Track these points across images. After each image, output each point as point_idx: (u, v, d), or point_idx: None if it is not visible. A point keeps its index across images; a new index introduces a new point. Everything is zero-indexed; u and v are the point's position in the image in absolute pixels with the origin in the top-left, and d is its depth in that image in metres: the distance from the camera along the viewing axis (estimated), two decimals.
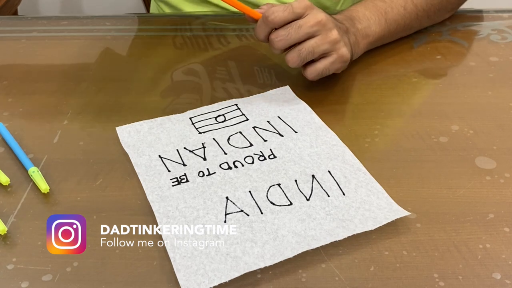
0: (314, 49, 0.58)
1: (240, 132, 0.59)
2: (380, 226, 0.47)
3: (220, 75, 0.70)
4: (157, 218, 0.48)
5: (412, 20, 0.71)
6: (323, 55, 0.60)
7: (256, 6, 0.80)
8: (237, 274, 0.43)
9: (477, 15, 0.80)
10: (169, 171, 0.54)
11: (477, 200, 0.51)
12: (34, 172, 0.53)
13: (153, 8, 0.98)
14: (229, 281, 0.43)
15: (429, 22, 0.75)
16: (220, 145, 0.57)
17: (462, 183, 0.53)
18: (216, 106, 0.63)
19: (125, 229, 0.49)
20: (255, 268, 0.44)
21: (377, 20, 0.68)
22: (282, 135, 0.58)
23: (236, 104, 0.63)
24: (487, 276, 0.44)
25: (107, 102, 0.66)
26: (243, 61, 0.72)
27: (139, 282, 0.44)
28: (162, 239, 0.47)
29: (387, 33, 0.70)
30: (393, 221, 0.48)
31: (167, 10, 0.90)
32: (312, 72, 0.61)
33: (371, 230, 0.47)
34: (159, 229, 0.48)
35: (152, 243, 0.47)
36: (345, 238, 0.46)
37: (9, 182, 0.54)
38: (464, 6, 0.82)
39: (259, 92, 0.65)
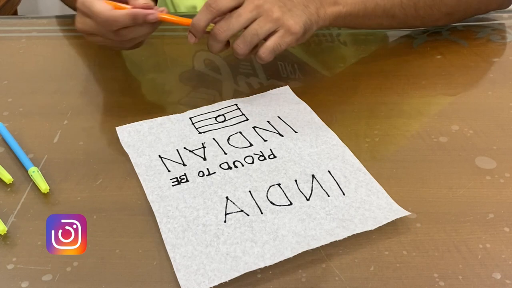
0: (257, 31, 0.58)
1: (240, 132, 0.59)
2: (380, 226, 0.47)
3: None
4: (157, 218, 0.48)
5: (394, 6, 0.67)
6: (270, 35, 0.59)
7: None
8: (237, 274, 0.43)
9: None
10: (169, 171, 0.54)
11: (477, 200, 0.51)
12: (34, 172, 0.53)
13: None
14: (229, 281, 0.43)
15: (418, 19, 0.70)
16: (220, 145, 0.57)
17: (462, 183, 0.53)
18: (216, 106, 0.63)
19: (125, 229, 0.49)
20: (255, 268, 0.44)
21: None
22: (282, 135, 0.58)
23: (236, 104, 0.63)
24: (487, 276, 0.44)
25: (107, 102, 0.66)
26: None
27: (139, 282, 0.44)
28: (162, 239, 0.47)
29: (362, 9, 0.66)
30: (393, 221, 0.48)
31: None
32: (264, 51, 0.59)
33: (371, 230, 0.47)
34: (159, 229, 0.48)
35: (152, 243, 0.47)
36: (345, 238, 0.46)
37: (12, 180, 0.54)
38: None
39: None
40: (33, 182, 0.54)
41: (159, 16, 0.60)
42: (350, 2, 0.65)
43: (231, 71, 0.70)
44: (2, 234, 0.48)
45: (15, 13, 1.55)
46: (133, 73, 0.71)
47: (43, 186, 0.52)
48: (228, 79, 0.69)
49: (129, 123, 0.60)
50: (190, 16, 0.61)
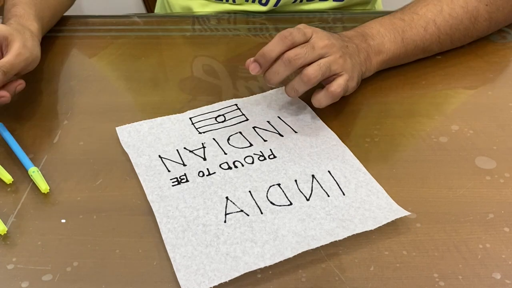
0: (330, 66, 0.57)
1: (240, 132, 0.59)
2: (380, 226, 0.47)
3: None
4: (157, 218, 0.48)
5: (432, 43, 0.68)
6: (334, 76, 0.58)
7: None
8: (237, 274, 0.43)
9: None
10: (169, 171, 0.54)
11: (477, 200, 0.51)
12: (34, 172, 0.54)
13: (159, 7, 0.98)
14: (229, 281, 0.43)
15: (452, 46, 0.71)
16: (220, 145, 0.57)
17: (462, 183, 0.53)
18: (216, 106, 0.63)
19: (125, 229, 0.49)
20: (255, 268, 0.44)
21: (393, 37, 0.65)
22: (282, 135, 0.58)
23: (236, 104, 0.63)
24: (487, 276, 0.44)
25: (107, 102, 0.66)
26: None
27: (139, 282, 0.44)
28: (162, 239, 0.47)
29: (403, 52, 0.66)
30: (393, 221, 0.48)
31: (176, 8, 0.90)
32: (337, 87, 0.57)
33: (371, 230, 0.47)
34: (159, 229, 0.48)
35: (152, 243, 0.47)
36: (345, 238, 0.46)
37: (12, 180, 0.54)
38: None
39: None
40: (33, 182, 0.54)
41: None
42: (392, 49, 0.65)
43: (230, 76, 0.70)
44: (2, 234, 0.48)
45: None
46: (133, 73, 0.71)
47: (43, 186, 0.52)
48: (227, 84, 0.68)
49: (129, 123, 0.60)
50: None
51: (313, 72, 0.56)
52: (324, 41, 0.57)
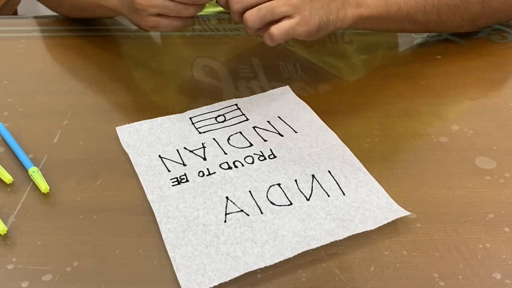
0: (273, 9, 0.55)
1: (240, 132, 0.59)
2: (380, 226, 0.47)
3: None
4: (157, 218, 0.48)
5: (417, 11, 0.65)
6: (283, 18, 0.56)
7: None
8: (237, 274, 0.43)
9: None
10: (169, 171, 0.54)
11: (477, 200, 0.51)
12: (34, 172, 0.53)
13: None
14: (229, 281, 0.43)
15: (440, 25, 0.69)
16: (220, 145, 0.57)
17: (462, 183, 0.53)
18: (216, 106, 0.63)
19: (125, 229, 0.49)
20: (255, 268, 0.44)
21: None
22: (282, 135, 0.58)
23: (236, 104, 0.63)
24: (487, 276, 0.44)
25: (107, 102, 0.66)
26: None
27: (139, 282, 0.44)
28: (162, 239, 0.47)
29: (385, 13, 0.63)
30: (393, 221, 0.48)
31: None
32: (278, 30, 0.56)
33: (371, 230, 0.47)
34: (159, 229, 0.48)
35: (152, 243, 0.47)
36: (345, 238, 0.46)
37: (12, 180, 0.54)
38: None
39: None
40: (33, 182, 0.54)
41: None
42: (373, 5, 0.62)
43: (231, 76, 0.70)
44: (2, 234, 0.48)
45: (15, 13, 1.55)
46: (133, 73, 0.71)
47: (43, 186, 0.52)
48: (228, 85, 0.68)
49: (129, 123, 0.60)
50: None
51: (249, 17, 0.55)
52: None
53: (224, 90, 0.67)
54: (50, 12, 0.84)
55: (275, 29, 0.56)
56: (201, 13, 0.85)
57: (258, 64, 0.65)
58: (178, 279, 0.43)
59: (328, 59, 0.73)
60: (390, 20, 0.65)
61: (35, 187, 0.53)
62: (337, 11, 0.60)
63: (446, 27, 0.70)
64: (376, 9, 0.63)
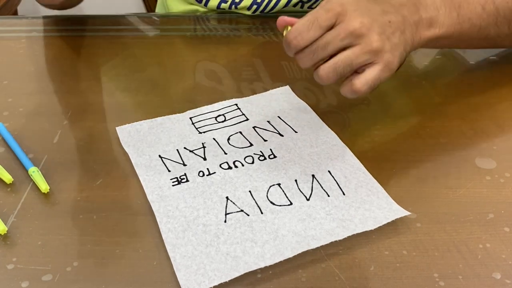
0: (352, 62, 0.49)
1: (240, 132, 0.59)
2: (380, 226, 0.47)
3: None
4: (157, 217, 0.48)
5: (489, 24, 0.60)
6: (364, 66, 0.50)
7: None
8: (237, 274, 0.43)
9: None
10: (169, 171, 0.54)
11: (477, 200, 0.51)
12: (34, 172, 0.53)
13: (159, 7, 0.98)
14: (229, 280, 0.43)
15: (508, 38, 0.63)
16: (220, 145, 0.57)
17: (462, 183, 0.53)
18: (216, 106, 0.63)
19: (125, 229, 0.49)
20: (255, 268, 0.44)
21: (448, 11, 0.57)
22: (282, 135, 0.58)
23: (236, 104, 0.63)
24: (487, 276, 0.44)
25: (107, 102, 0.66)
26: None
27: (139, 282, 0.44)
28: (162, 239, 0.47)
29: (457, 31, 0.58)
30: (393, 221, 0.48)
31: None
32: (363, 84, 0.50)
33: (371, 230, 0.47)
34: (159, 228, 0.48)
35: (152, 243, 0.47)
36: (345, 238, 0.46)
37: (12, 180, 0.54)
38: None
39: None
40: (33, 182, 0.54)
41: None
42: (446, 24, 0.57)
43: (233, 78, 0.69)
44: (2, 234, 0.48)
45: (15, 13, 1.55)
46: (133, 73, 0.71)
47: (43, 186, 0.52)
48: (230, 87, 0.67)
49: (129, 123, 0.60)
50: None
51: (325, 75, 0.50)
52: (348, 28, 0.49)
53: (227, 93, 0.66)
54: (50, 12, 0.84)
55: (359, 84, 0.50)
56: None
57: (260, 65, 0.64)
58: (178, 279, 0.43)
59: None
60: (461, 38, 0.60)
61: (35, 187, 0.53)
62: (413, 37, 0.55)
63: (511, 41, 0.65)
64: (450, 27, 0.58)
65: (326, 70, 0.50)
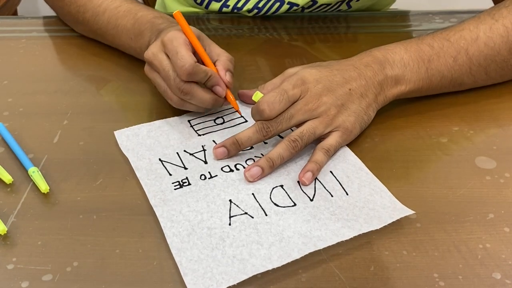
0: (315, 131, 0.54)
1: None
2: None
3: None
4: (161, 223, 0.48)
5: (462, 74, 0.61)
6: (325, 135, 0.55)
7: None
8: (245, 277, 0.43)
9: None
10: (170, 174, 0.53)
11: (477, 200, 0.51)
12: (34, 172, 0.53)
13: (158, 6, 0.98)
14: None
15: (488, 80, 0.63)
16: None
17: (462, 183, 0.53)
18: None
19: (125, 229, 0.49)
20: (262, 270, 0.43)
21: (416, 67, 0.59)
22: (281, 136, 0.58)
23: None
24: (487, 276, 0.44)
25: (107, 102, 0.66)
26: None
27: (139, 282, 0.44)
28: (162, 239, 0.47)
29: (426, 84, 0.60)
30: (393, 221, 0.48)
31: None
32: (323, 152, 0.54)
33: (371, 230, 0.47)
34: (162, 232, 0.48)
35: (152, 243, 0.47)
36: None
37: (12, 180, 0.54)
38: (464, 7, 0.83)
39: None
40: (33, 182, 0.54)
41: (226, 95, 0.58)
42: (413, 80, 0.59)
43: (236, 78, 0.68)
44: (2, 234, 0.48)
45: (15, 13, 1.55)
46: (133, 73, 0.71)
47: (43, 186, 0.52)
48: (234, 87, 0.67)
49: (129, 123, 0.60)
50: (185, 16, 0.59)
51: (276, 156, 0.53)
52: (314, 100, 0.54)
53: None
54: (50, 12, 0.84)
55: (319, 154, 0.53)
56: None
57: (263, 63, 0.64)
58: (186, 283, 0.43)
59: (335, 57, 0.72)
60: (433, 89, 0.62)
61: (35, 187, 0.53)
62: (376, 97, 0.57)
63: (496, 81, 0.65)
64: (417, 82, 0.59)
65: (276, 150, 0.53)
